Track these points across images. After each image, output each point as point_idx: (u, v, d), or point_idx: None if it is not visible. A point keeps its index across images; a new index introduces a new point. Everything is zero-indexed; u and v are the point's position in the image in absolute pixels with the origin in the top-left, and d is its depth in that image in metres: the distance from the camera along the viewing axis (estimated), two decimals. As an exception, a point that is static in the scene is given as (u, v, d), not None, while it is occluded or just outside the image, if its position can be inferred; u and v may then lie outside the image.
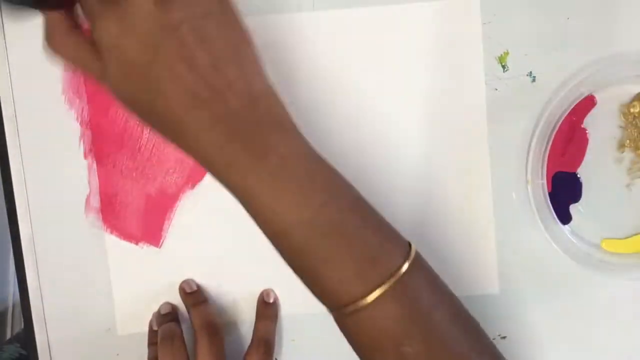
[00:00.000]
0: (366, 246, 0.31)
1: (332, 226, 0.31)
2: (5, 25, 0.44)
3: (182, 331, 0.43)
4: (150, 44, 0.29)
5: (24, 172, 0.45)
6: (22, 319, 0.46)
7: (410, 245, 0.33)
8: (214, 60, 0.30)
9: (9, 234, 0.45)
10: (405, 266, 0.31)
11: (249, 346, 0.44)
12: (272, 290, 0.46)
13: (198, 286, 0.46)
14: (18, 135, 0.44)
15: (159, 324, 0.44)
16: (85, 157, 0.45)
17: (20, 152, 0.45)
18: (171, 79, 0.29)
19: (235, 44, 0.31)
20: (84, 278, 0.46)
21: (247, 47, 0.32)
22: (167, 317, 0.45)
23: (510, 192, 0.46)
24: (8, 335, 0.94)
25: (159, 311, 0.45)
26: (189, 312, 0.44)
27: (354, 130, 0.45)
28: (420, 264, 0.33)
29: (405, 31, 0.45)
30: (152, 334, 0.45)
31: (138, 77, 0.30)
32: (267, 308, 0.46)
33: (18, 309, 0.97)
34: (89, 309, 0.46)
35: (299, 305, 0.46)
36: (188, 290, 0.45)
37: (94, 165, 0.45)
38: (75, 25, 0.32)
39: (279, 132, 0.31)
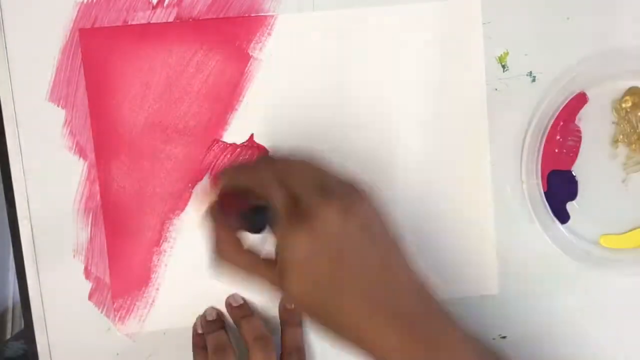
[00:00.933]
0: None
1: None
2: (5, 25, 0.44)
3: (231, 342, 0.43)
4: (337, 256, 0.31)
5: (24, 172, 0.45)
6: (22, 319, 0.46)
7: None
8: (385, 260, 0.32)
9: (9, 234, 0.45)
10: None
11: (280, 357, 0.43)
12: None
13: (244, 299, 0.45)
14: (18, 135, 0.44)
15: (206, 331, 0.44)
16: (85, 157, 0.45)
17: (21, 152, 0.45)
18: (351, 287, 0.31)
19: (395, 240, 0.33)
20: (84, 277, 0.46)
21: (402, 244, 0.34)
22: (214, 324, 0.44)
23: (510, 192, 0.46)
24: (8, 336, 0.94)
25: (204, 316, 0.45)
26: (237, 326, 0.44)
27: (354, 129, 0.45)
28: None
29: (406, 31, 0.45)
30: (198, 337, 0.45)
31: (322, 290, 0.32)
32: (289, 314, 0.45)
33: (18, 308, 0.97)
34: (89, 308, 0.46)
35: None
36: (234, 304, 0.45)
37: (94, 166, 0.45)
38: (239, 242, 0.35)
39: (443, 321, 0.33)
